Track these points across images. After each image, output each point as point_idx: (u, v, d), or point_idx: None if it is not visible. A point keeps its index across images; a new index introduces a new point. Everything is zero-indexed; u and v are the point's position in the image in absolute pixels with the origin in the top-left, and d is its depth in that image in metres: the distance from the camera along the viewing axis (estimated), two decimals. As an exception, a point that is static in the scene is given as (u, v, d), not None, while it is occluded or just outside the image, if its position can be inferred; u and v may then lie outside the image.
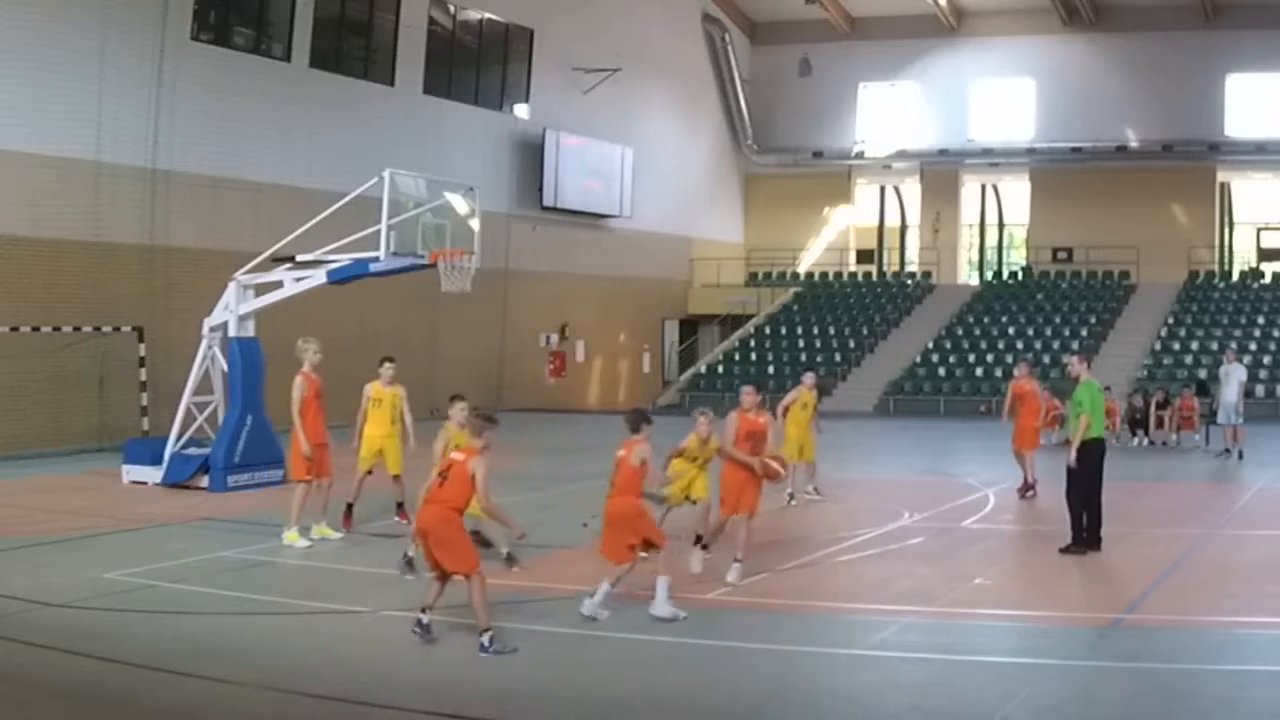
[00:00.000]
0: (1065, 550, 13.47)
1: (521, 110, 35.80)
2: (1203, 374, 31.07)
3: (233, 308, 18.92)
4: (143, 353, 24.65)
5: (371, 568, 12.92)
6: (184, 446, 19.13)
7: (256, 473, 18.68)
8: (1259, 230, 42.03)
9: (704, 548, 12.49)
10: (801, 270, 44.98)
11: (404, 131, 30.88)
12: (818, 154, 44.44)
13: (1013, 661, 9.57)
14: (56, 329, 23.45)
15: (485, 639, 9.45)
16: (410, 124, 31.38)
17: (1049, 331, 37.48)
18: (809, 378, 18.09)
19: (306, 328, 26.04)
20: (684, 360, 42.70)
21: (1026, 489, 17.87)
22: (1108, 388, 27.51)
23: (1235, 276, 40.35)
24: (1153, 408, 25.74)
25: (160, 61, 25.37)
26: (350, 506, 14.79)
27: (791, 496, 17.08)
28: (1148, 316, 37.53)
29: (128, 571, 12.50)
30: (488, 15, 34.51)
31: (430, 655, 9.78)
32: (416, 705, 8.48)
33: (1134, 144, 40.94)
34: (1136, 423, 25.64)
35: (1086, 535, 13.53)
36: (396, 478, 15.03)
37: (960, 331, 38.45)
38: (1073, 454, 13.57)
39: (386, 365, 15.13)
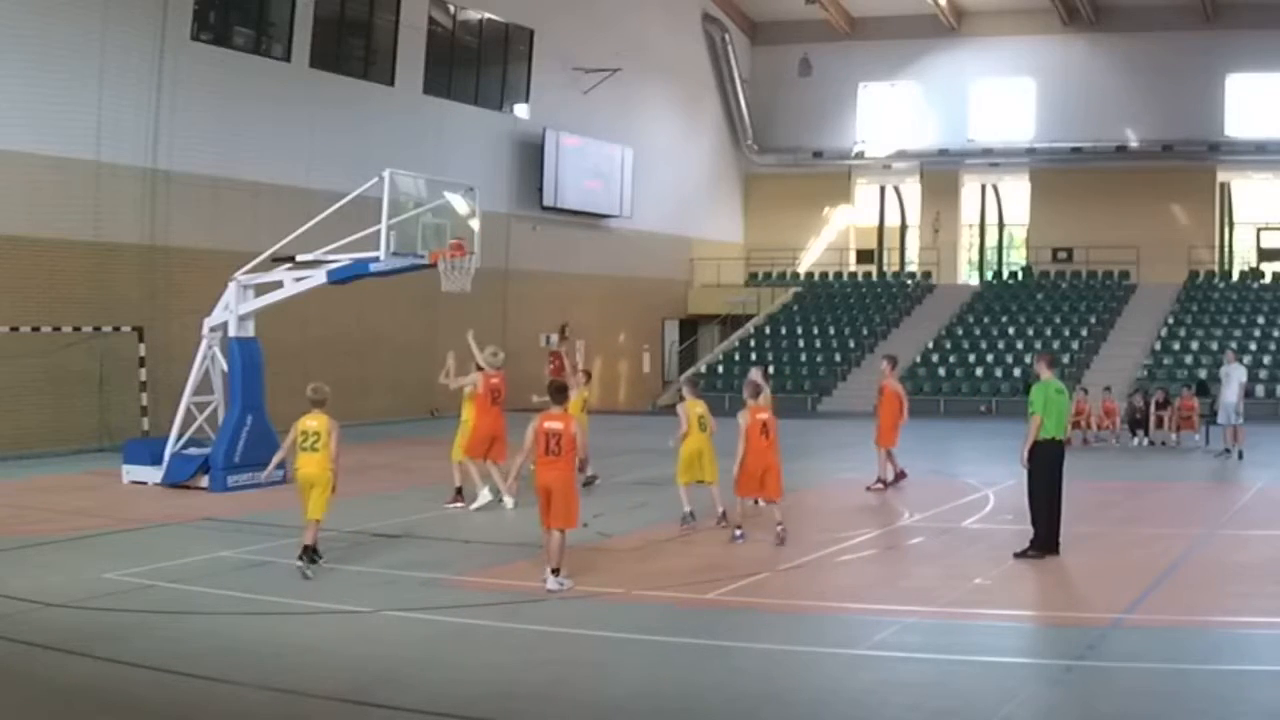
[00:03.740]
0: (1021, 555, 13.06)
1: (521, 110, 35.80)
2: (1203, 374, 31.06)
3: (233, 308, 18.92)
4: (143, 353, 24.65)
5: (371, 567, 12.92)
6: (184, 446, 19.13)
7: (256, 473, 18.60)
8: (1259, 230, 41.99)
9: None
10: (801, 270, 44.97)
11: (404, 131, 30.87)
12: (818, 154, 44.43)
13: (1013, 661, 9.58)
14: (56, 329, 23.45)
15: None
16: (410, 124, 31.37)
17: (1049, 331, 37.45)
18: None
19: (307, 328, 26.34)
20: (684, 360, 42.67)
21: None
22: (1108, 388, 27.63)
23: (1235, 276, 40.32)
24: (1152, 408, 25.72)
25: (160, 61, 25.38)
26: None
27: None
28: (1148, 316, 37.51)
29: (128, 571, 12.50)
30: (488, 15, 34.51)
31: (430, 655, 9.79)
32: (416, 705, 8.48)
33: (1134, 144, 40.92)
34: (1136, 423, 25.62)
35: (1044, 539, 13.14)
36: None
37: (960, 331, 38.45)
38: (1023, 453, 13.27)
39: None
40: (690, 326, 44.01)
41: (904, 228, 45.33)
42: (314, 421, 12.56)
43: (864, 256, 45.75)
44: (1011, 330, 37.97)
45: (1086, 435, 25.52)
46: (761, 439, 14.12)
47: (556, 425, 11.86)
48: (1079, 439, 25.21)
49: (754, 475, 14.13)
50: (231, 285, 19.08)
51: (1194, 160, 40.33)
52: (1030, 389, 13.63)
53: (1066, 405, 13.99)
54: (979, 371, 35.75)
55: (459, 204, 19.78)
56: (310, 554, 12.44)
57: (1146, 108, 40.44)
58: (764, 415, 14.30)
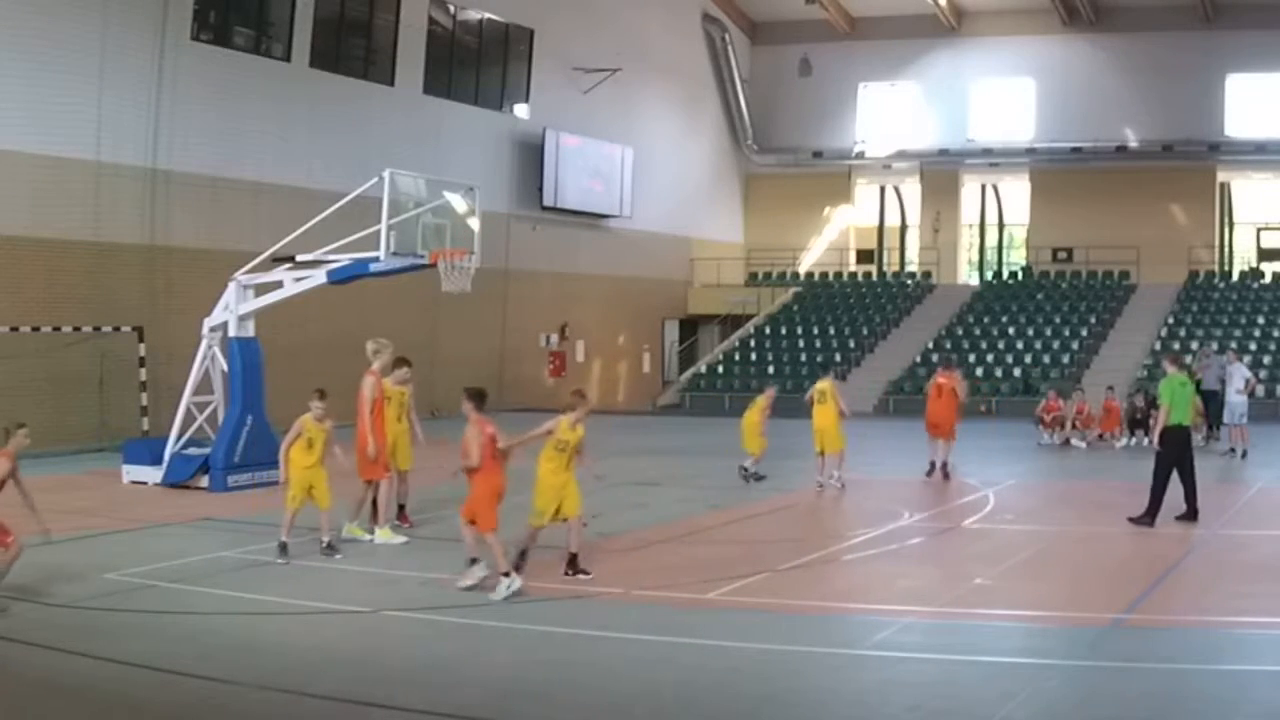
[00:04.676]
0: (1136, 520, 14.86)
1: (521, 110, 35.81)
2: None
3: (233, 308, 18.92)
4: (143, 353, 24.66)
5: (371, 568, 12.92)
6: (184, 446, 19.13)
7: (256, 473, 18.67)
8: (1259, 230, 41.99)
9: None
10: (801, 270, 44.96)
11: (404, 131, 30.87)
12: (818, 154, 44.43)
13: (1013, 661, 9.57)
14: (56, 329, 23.45)
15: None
16: (410, 124, 31.38)
17: (1049, 331, 37.46)
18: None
19: (307, 328, 26.33)
20: (684, 360, 42.69)
21: (933, 470, 19.95)
22: (1110, 387, 27.61)
23: (1235, 276, 40.32)
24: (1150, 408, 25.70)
25: (160, 61, 25.38)
26: (402, 506, 15.23)
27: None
28: (1148, 316, 37.51)
29: (128, 571, 12.51)
30: (488, 15, 34.51)
31: (430, 655, 9.79)
32: (416, 705, 8.48)
33: (1134, 144, 40.92)
34: (1136, 423, 25.58)
35: (1157, 511, 14.90)
36: (404, 474, 15.11)
37: (960, 331, 38.44)
38: (1154, 437, 15.35)
39: (404, 369, 15.31)
40: (690, 326, 44.02)
41: (904, 228, 45.32)
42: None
43: (864, 256, 45.75)
44: (1011, 330, 37.96)
45: (1087, 436, 25.49)
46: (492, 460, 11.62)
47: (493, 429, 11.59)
48: (1079, 439, 25.27)
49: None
50: (231, 285, 19.07)
51: (1194, 160, 40.33)
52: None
53: (1191, 396, 16.01)
54: (979, 371, 35.71)
55: (459, 204, 19.77)
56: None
57: (1146, 108, 40.44)
58: (491, 429, 11.62)
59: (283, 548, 13.12)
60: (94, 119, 24.22)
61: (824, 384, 19.46)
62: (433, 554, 13.66)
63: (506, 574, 11.29)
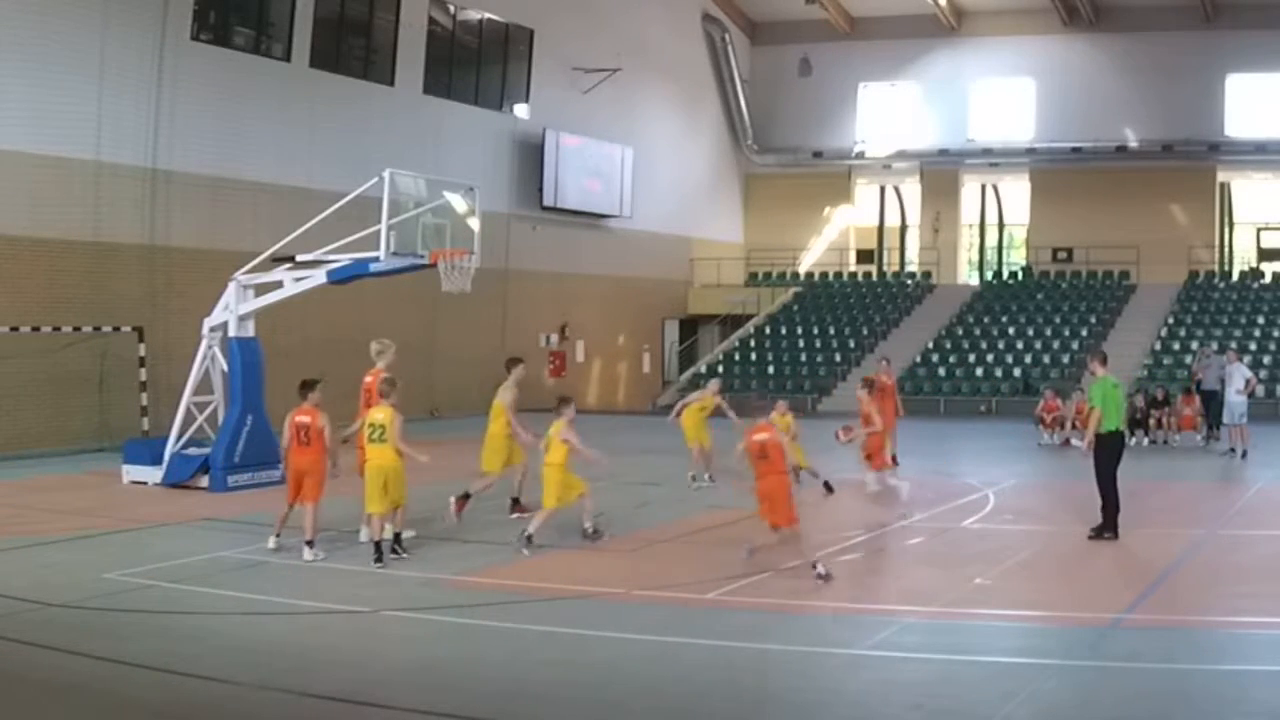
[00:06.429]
0: (1095, 535, 14.25)
1: (521, 110, 35.80)
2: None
3: (233, 308, 18.93)
4: (143, 353, 24.66)
5: (371, 567, 12.91)
6: (184, 446, 19.14)
7: (256, 473, 18.69)
8: (1259, 230, 42.02)
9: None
10: (801, 270, 44.98)
11: (404, 131, 30.88)
12: (818, 154, 44.45)
13: (1013, 661, 9.57)
14: (56, 329, 23.46)
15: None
16: (410, 124, 31.38)
17: (1049, 331, 37.45)
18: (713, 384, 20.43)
19: (307, 328, 26.33)
20: (684, 360, 42.69)
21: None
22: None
23: (1235, 276, 40.33)
24: (1150, 407, 25.72)
25: (160, 61, 25.38)
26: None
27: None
28: (1148, 316, 37.51)
29: (128, 571, 12.50)
30: (488, 15, 34.51)
31: (430, 655, 9.79)
32: (416, 705, 8.48)
33: (1134, 144, 40.93)
34: (1136, 423, 25.59)
35: (1115, 522, 14.29)
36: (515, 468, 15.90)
37: (960, 331, 38.44)
38: (1086, 443, 14.61)
39: (519, 367, 15.89)
40: (690, 326, 44.02)
41: (904, 228, 45.35)
42: (380, 414, 13.19)
43: (864, 256, 45.77)
44: (1011, 330, 37.96)
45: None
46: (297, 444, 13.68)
47: (306, 419, 13.51)
48: (1079, 439, 25.25)
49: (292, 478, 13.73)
50: (231, 285, 19.08)
51: (1194, 160, 40.34)
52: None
53: (1123, 399, 15.37)
54: (979, 371, 35.75)
55: (459, 204, 19.77)
56: (397, 541, 13.30)
57: (1146, 108, 40.45)
58: (304, 419, 13.67)
59: (528, 539, 13.56)
60: (94, 119, 24.22)
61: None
62: (433, 554, 13.67)
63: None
